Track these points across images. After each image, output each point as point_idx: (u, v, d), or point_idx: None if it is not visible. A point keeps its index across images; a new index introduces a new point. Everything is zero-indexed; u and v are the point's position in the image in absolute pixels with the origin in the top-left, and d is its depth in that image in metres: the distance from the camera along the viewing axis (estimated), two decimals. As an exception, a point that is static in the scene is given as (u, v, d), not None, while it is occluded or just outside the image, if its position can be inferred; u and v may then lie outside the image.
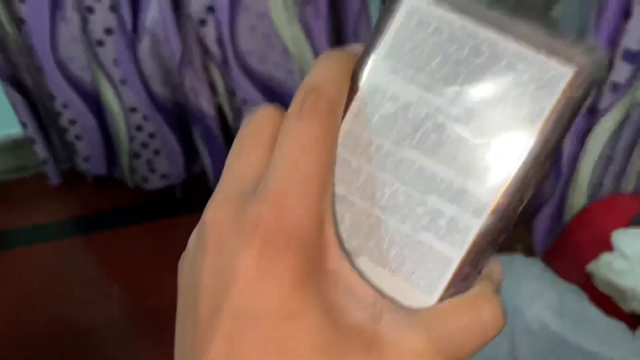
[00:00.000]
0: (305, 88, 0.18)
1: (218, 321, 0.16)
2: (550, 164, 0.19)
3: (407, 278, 0.19)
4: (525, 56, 0.18)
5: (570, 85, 0.17)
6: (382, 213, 0.19)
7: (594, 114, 0.79)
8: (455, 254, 0.19)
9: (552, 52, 0.18)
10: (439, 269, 0.19)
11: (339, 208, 0.19)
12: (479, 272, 0.20)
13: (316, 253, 0.17)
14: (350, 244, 0.19)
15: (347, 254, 0.19)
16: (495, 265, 0.21)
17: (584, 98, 0.18)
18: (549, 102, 0.18)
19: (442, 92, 0.19)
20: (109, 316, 1.23)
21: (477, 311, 0.18)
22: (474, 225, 0.19)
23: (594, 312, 0.46)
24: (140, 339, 1.21)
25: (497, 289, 0.20)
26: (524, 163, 0.18)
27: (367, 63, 0.19)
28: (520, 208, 0.19)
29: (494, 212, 0.18)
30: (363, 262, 0.19)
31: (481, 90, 0.18)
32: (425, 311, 0.18)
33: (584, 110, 0.17)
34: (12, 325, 1.21)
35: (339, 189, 0.20)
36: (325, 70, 0.18)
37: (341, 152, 0.19)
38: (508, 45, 0.18)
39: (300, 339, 0.15)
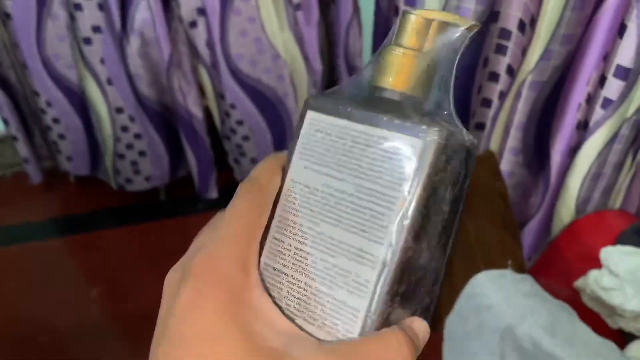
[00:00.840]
0: (247, 178, 0.25)
1: (160, 342, 0.20)
2: (441, 213, 0.24)
3: (330, 331, 0.23)
4: (388, 137, 0.23)
5: (424, 151, 0.22)
6: (308, 279, 0.24)
7: (585, 129, 0.79)
8: (362, 304, 0.23)
9: (406, 131, 0.23)
10: (351, 320, 0.23)
11: (276, 279, 0.25)
12: (387, 319, 0.23)
13: (240, 290, 0.22)
14: (289, 309, 0.24)
15: (289, 319, 0.23)
16: (420, 322, 0.24)
17: (441, 161, 0.23)
18: (410, 167, 0.23)
19: (339, 176, 0.24)
20: (87, 320, 1.21)
21: (385, 345, 0.21)
22: (372, 278, 0.23)
23: (585, 331, 0.46)
24: (119, 344, 1.19)
25: (415, 340, 0.23)
26: (401, 217, 0.23)
27: (289, 162, 0.26)
28: (423, 257, 0.23)
29: (385, 264, 0.22)
30: (300, 322, 0.24)
31: (364, 168, 0.24)
32: (336, 341, 0.22)
33: (454, 174, 0.21)
34: (-13, 326, 1.18)
35: (276, 264, 0.25)
36: (262, 166, 0.25)
37: (275, 234, 0.25)
38: (375, 131, 0.24)
39: (219, 356, 0.19)
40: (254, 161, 1.34)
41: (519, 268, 0.54)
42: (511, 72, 0.81)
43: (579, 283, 0.70)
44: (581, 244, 0.80)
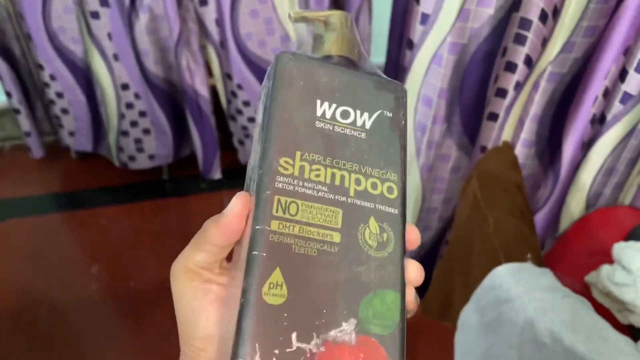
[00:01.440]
0: (223, 212, 0.27)
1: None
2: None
3: None
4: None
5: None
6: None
7: (599, 123, 0.79)
8: None
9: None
10: None
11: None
12: None
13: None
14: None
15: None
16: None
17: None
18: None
19: None
20: (87, 296, 1.20)
21: None
22: None
23: (605, 326, 0.46)
24: (119, 322, 1.18)
25: None
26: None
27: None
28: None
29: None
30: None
31: None
32: None
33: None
34: (-15, 300, 1.17)
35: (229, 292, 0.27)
36: (232, 203, 0.27)
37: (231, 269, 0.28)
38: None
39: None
40: (259, 143, 1.33)
41: (538, 261, 0.54)
42: (529, 62, 0.80)
43: (589, 277, 0.70)
44: (592, 239, 0.80)
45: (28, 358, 1.08)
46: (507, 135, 0.91)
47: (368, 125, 0.29)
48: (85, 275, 1.24)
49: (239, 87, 1.24)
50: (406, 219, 0.28)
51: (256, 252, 0.24)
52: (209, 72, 1.26)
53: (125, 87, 1.23)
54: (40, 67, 1.23)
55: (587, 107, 0.81)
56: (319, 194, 0.26)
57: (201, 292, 0.27)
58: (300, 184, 0.26)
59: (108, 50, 1.17)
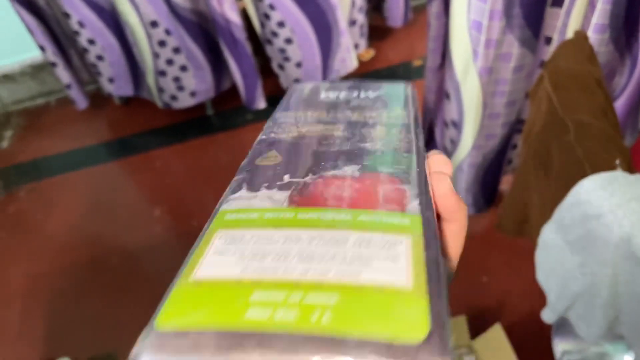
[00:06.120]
0: None
1: None
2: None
3: None
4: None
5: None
6: None
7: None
8: None
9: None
10: None
11: None
12: None
13: None
14: None
15: None
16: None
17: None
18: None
19: None
20: (154, 239, 1.22)
21: None
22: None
23: None
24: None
25: None
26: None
27: None
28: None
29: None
30: None
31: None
32: None
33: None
34: (61, 251, 1.21)
35: None
36: None
37: None
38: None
39: None
40: (300, 65, 1.26)
41: (627, 164, 0.48)
42: None
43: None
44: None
45: (107, 303, 1.12)
46: (575, 22, 0.80)
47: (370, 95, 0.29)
48: (148, 218, 1.26)
49: (271, 7, 1.16)
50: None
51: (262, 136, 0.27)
52: (238, -4, 1.18)
53: (154, 24, 1.17)
54: (67, 15, 1.19)
55: (672, -24, 0.69)
56: None
57: None
58: None
59: (130, -13, 1.11)
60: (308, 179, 0.21)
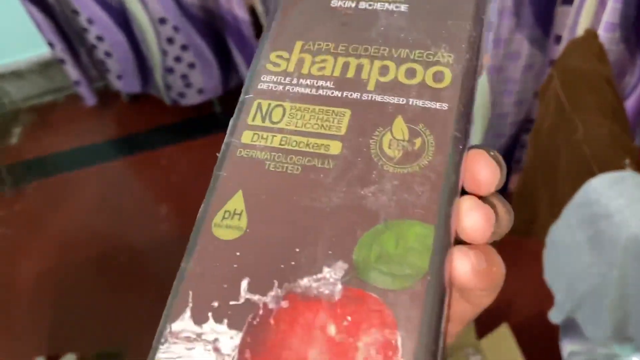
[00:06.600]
0: None
1: None
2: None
3: None
4: None
5: None
6: None
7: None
8: None
9: None
10: None
11: None
12: None
13: None
14: None
15: None
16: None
17: None
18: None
19: None
20: (161, 236, 1.23)
21: None
22: None
23: None
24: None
25: None
26: None
27: None
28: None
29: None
30: None
31: None
32: None
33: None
34: (68, 248, 1.22)
35: None
36: None
37: None
38: None
39: None
40: (308, 62, 1.26)
41: (637, 165, 0.47)
42: None
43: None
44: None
45: (113, 299, 1.13)
46: (585, 21, 0.80)
47: None
48: (155, 216, 1.26)
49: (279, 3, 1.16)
50: (469, 129, 0.18)
51: (217, 173, 0.19)
52: (246, -7, 1.18)
53: (162, 21, 1.17)
54: (75, 12, 1.19)
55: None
56: (320, 91, 0.19)
57: None
58: (295, 81, 0.19)
59: (138, -16, 1.11)
60: (270, 299, 0.16)
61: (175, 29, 1.19)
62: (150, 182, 1.35)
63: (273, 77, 0.20)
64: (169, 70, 1.26)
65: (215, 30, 1.23)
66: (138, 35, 1.23)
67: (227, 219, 0.17)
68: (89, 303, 1.13)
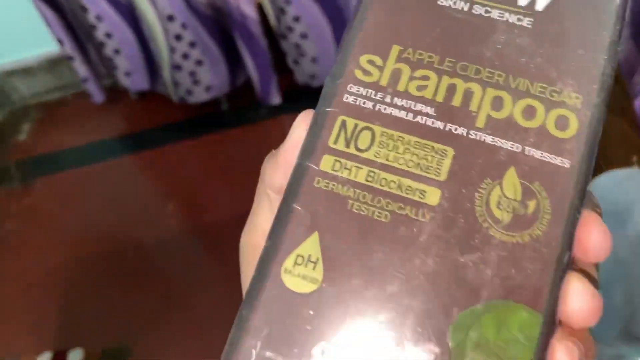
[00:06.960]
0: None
1: (243, 232, 0.21)
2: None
3: None
4: None
5: None
6: None
7: None
8: None
9: None
10: None
11: None
12: None
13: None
14: None
15: None
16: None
17: None
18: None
19: None
20: (168, 233, 1.23)
21: None
22: None
23: None
24: (201, 254, 1.21)
25: None
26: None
27: None
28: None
29: None
30: None
31: None
32: None
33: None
34: (76, 244, 1.23)
35: None
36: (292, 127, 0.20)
37: None
38: None
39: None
40: (315, 61, 1.26)
41: (646, 164, 0.47)
42: None
43: None
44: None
45: (120, 296, 1.13)
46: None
47: (541, 3, 0.16)
48: (163, 213, 1.27)
49: (287, 1, 1.16)
50: (587, 185, 0.15)
51: (288, 204, 0.16)
52: (254, -10, 1.18)
53: (170, 18, 1.18)
54: (84, 8, 1.20)
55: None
56: (418, 118, 0.16)
57: None
58: (388, 99, 0.16)
59: (147, -18, 1.12)
60: None
61: (184, 26, 1.19)
62: (158, 179, 1.35)
63: (362, 89, 0.16)
64: (177, 67, 1.27)
65: (223, 28, 1.23)
66: (146, 33, 1.23)
67: (300, 265, 0.15)
68: (96, 298, 1.13)
